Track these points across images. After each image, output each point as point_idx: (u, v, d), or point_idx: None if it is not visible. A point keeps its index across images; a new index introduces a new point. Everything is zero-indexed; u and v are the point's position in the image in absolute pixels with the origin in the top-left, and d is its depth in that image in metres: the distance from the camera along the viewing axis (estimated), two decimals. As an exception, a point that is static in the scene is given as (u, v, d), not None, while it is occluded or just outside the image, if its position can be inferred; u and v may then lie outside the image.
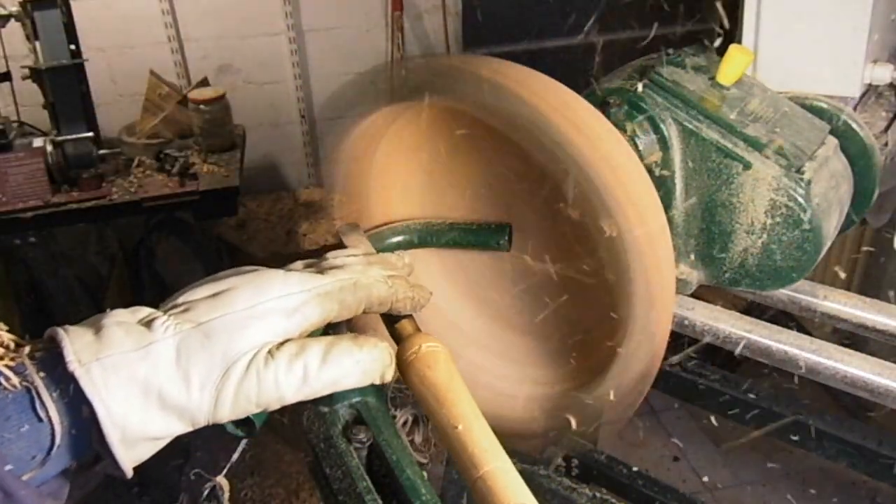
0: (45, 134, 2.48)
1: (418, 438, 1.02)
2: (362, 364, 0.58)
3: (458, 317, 0.95)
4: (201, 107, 2.69)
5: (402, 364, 0.63)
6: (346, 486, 0.72)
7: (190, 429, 0.54)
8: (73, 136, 2.39)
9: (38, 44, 2.31)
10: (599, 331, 0.81)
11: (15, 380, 0.48)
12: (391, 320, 0.68)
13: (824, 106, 0.91)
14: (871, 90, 0.97)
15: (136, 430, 0.50)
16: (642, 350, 0.70)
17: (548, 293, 0.90)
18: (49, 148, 2.38)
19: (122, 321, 0.53)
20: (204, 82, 2.95)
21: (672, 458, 2.78)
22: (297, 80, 3.63)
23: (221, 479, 0.64)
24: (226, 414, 0.53)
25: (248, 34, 3.53)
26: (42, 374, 0.48)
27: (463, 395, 0.60)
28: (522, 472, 1.02)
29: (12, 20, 2.31)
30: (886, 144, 0.94)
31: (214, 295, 0.56)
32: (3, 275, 2.52)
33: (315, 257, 0.67)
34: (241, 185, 2.59)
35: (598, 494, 0.96)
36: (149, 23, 3.37)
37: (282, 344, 0.56)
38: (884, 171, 0.93)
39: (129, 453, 0.50)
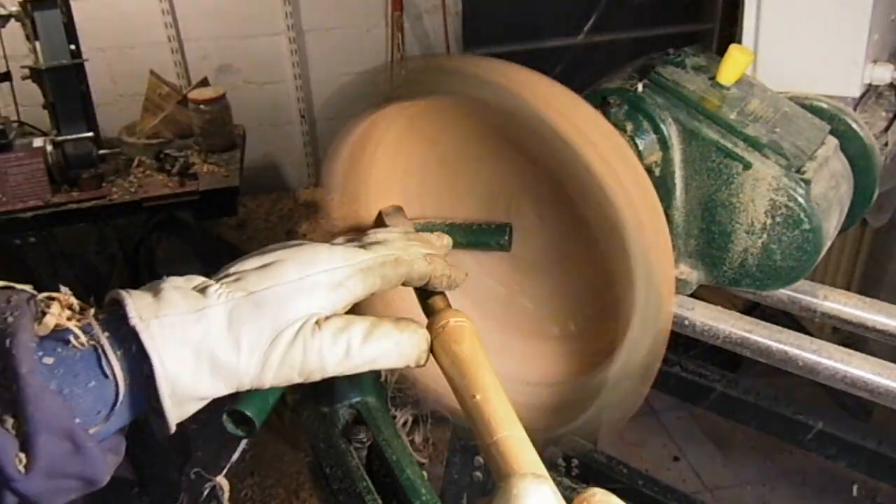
0: (45, 134, 2.48)
1: (418, 438, 1.02)
2: (401, 346, 0.61)
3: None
4: (201, 107, 2.69)
5: (431, 336, 0.65)
6: (346, 486, 0.72)
7: (234, 391, 0.56)
8: (73, 136, 2.39)
9: (38, 44, 2.31)
10: (599, 330, 0.81)
11: (83, 338, 0.50)
12: (424, 295, 0.71)
13: (824, 106, 0.91)
14: (871, 90, 0.97)
15: (186, 387, 0.52)
16: (642, 349, 0.70)
17: (547, 293, 0.90)
18: (49, 148, 2.38)
19: (178, 286, 0.56)
20: (204, 82, 2.95)
21: (672, 458, 2.78)
22: (297, 80, 3.64)
23: (221, 479, 0.65)
24: (270, 379, 0.56)
25: (248, 34, 3.53)
26: (107, 333, 0.51)
27: (485, 367, 0.62)
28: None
29: (12, 20, 2.31)
30: (886, 144, 0.94)
31: (264, 266, 0.59)
32: (3, 275, 2.52)
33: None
34: (241, 185, 2.59)
35: (598, 494, 0.96)
36: (149, 23, 3.38)
37: (328, 317, 0.58)
38: (884, 171, 0.93)
39: (176, 410, 0.53)
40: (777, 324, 0.85)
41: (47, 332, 0.50)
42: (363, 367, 0.59)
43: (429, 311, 0.70)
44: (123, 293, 0.53)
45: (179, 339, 0.52)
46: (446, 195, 0.91)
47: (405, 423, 1.01)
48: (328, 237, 0.83)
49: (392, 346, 0.60)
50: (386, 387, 0.93)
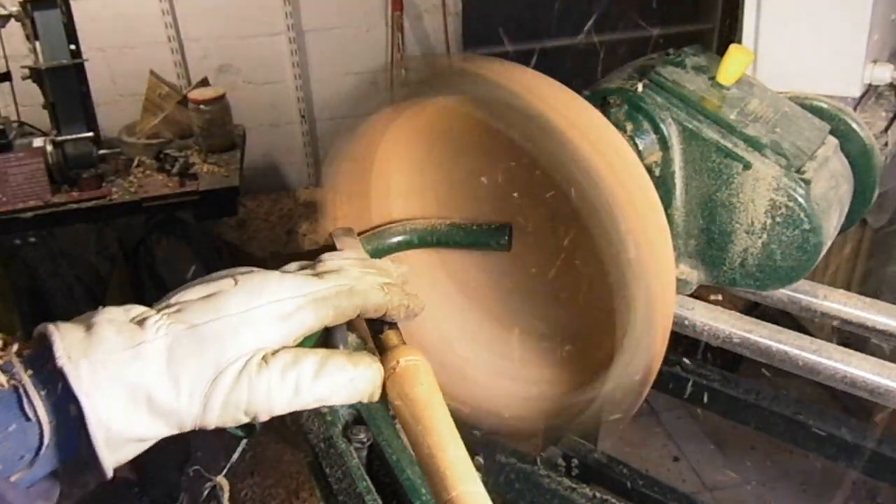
0: (45, 134, 2.48)
1: (418, 438, 1.02)
2: (355, 382, 0.57)
3: (459, 316, 0.95)
4: (201, 107, 2.69)
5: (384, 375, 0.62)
6: (346, 486, 0.72)
7: (176, 432, 0.53)
8: (73, 136, 2.39)
9: (38, 44, 2.31)
10: (599, 330, 0.81)
11: (2, 378, 0.47)
12: (376, 328, 0.67)
13: (824, 106, 0.91)
14: (871, 90, 0.97)
15: (121, 430, 0.49)
16: (642, 350, 0.70)
17: (548, 293, 0.90)
18: (49, 148, 2.38)
19: (113, 319, 0.52)
20: (204, 82, 2.95)
21: (672, 458, 2.78)
22: (297, 80, 3.64)
23: (221, 479, 0.64)
24: (213, 420, 0.52)
25: (248, 34, 3.53)
26: (30, 372, 0.48)
27: (441, 413, 0.59)
28: (522, 472, 1.03)
29: (12, 20, 2.31)
30: (886, 144, 0.94)
31: (208, 296, 0.55)
32: (3, 275, 2.52)
33: (310, 258, 0.66)
34: (241, 185, 2.59)
35: (598, 494, 0.96)
36: (149, 23, 3.38)
37: (276, 351, 0.55)
38: (884, 171, 0.93)
39: (113, 455, 0.50)
40: (777, 324, 0.85)
41: None
42: (314, 405, 0.56)
43: (381, 348, 0.66)
44: (52, 327, 0.50)
45: (112, 379, 0.48)
46: (447, 195, 0.91)
47: (405, 423, 1.01)
48: (327, 238, 0.83)
49: (346, 382, 0.57)
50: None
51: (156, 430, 0.51)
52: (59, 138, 2.38)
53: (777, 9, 0.90)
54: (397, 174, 0.88)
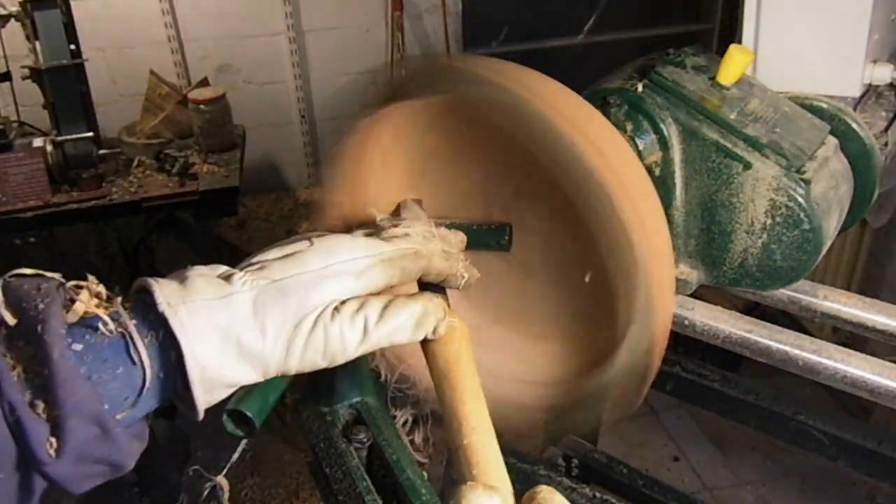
0: (45, 134, 2.48)
1: (418, 438, 1.02)
2: (416, 316, 0.61)
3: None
4: (201, 107, 2.69)
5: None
6: (346, 486, 0.72)
7: (261, 378, 0.57)
8: (73, 136, 2.39)
9: (38, 44, 2.31)
10: (599, 330, 0.81)
11: (112, 325, 0.51)
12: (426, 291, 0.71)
13: (824, 106, 0.91)
14: (871, 90, 0.97)
15: (214, 372, 0.53)
16: (642, 349, 0.70)
17: (547, 293, 0.90)
18: (49, 148, 2.38)
19: (203, 273, 0.57)
20: (204, 82, 2.95)
21: (672, 458, 2.78)
22: (297, 80, 3.64)
23: (221, 479, 0.65)
24: (295, 364, 0.57)
25: (248, 34, 3.53)
26: (135, 320, 0.52)
27: (468, 371, 0.63)
28: (522, 472, 1.02)
29: (12, 20, 2.31)
30: (886, 144, 0.94)
31: (286, 256, 0.60)
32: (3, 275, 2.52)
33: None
34: (241, 185, 2.59)
35: (598, 494, 0.96)
36: (149, 23, 3.38)
37: (346, 301, 0.59)
38: (884, 171, 0.93)
39: (206, 395, 0.53)
40: (777, 324, 0.85)
41: (76, 318, 0.51)
42: (384, 342, 0.60)
43: None
44: (150, 281, 0.54)
45: (207, 323, 0.53)
46: (446, 195, 0.91)
47: (405, 423, 1.01)
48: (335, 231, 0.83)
49: (408, 318, 0.61)
50: (386, 387, 0.93)
51: (243, 374, 0.55)
52: (59, 138, 2.38)
53: (777, 9, 0.90)
54: (396, 174, 0.88)
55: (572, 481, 0.99)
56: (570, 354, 0.86)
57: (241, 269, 0.59)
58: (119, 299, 0.53)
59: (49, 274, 0.53)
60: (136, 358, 0.51)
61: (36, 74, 2.35)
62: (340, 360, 0.59)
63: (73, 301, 0.51)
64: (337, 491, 0.71)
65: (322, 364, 0.58)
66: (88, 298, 0.52)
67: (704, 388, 1.16)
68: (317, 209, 0.85)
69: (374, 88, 0.79)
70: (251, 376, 0.56)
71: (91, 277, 0.54)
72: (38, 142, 2.40)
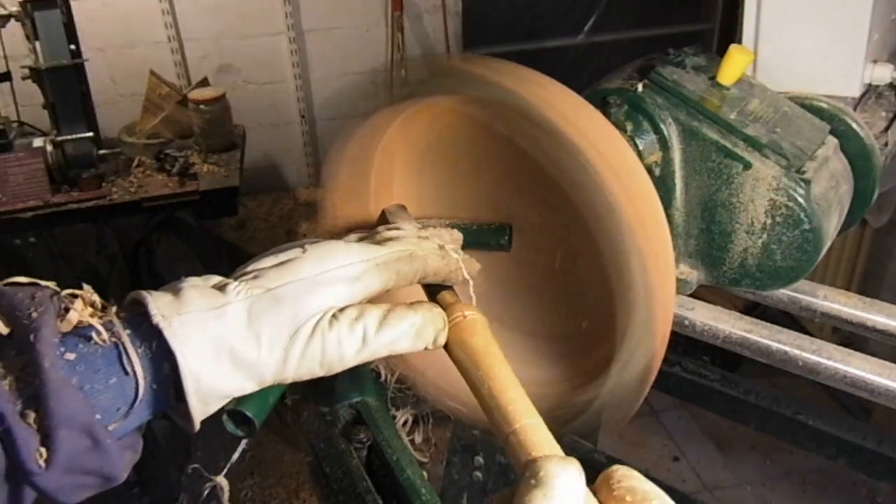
0: (45, 134, 2.48)
1: (418, 438, 1.02)
2: (416, 326, 0.61)
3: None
4: (201, 107, 2.69)
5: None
6: (346, 486, 0.72)
7: (257, 388, 0.56)
8: (73, 136, 2.39)
9: (38, 44, 2.31)
10: (599, 331, 0.81)
11: (105, 335, 0.51)
12: (433, 291, 0.70)
13: (824, 106, 0.91)
14: (871, 90, 0.97)
15: (209, 383, 0.53)
16: (642, 350, 0.70)
17: (547, 293, 0.90)
18: (49, 148, 2.38)
19: (196, 285, 0.56)
20: (204, 82, 2.95)
21: (672, 458, 2.78)
22: (297, 80, 3.64)
23: (221, 479, 0.65)
24: (291, 373, 0.56)
25: (248, 34, 3.53)
26: (128, 331, 0.52)
27: (499, 359, 0.62)
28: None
29: (12, 20, 2.31)
30: (886, 144, 0.94)
31: (281, 264, 0.59)
32: (4, 275, 2.52)
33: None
34: (241, 185, 2.59)
35: (598, 494, 0.96)
36: (149, 23, 3.38)
37: (343, 309, 0.59)
38: (884, 171, 0.93)
39: (201, 406, 0.53)
40: (777, 324, 0.85)
41: (70, 328, 0.50)
42: (383, 352, 0.59)
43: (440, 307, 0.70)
44: (144, 293, 0.54)
45: (200, 335, 0.52)
46: (446, 195, 0.91)
47: (405, 423, 1.01)
48: (329, 236, 0.83)
49: (408, 328, 0.60)
50: (386, 387, 0.93)
51: (238, 385, 0.55)
52: (59, 138, 2.38)
53: (777, 9, 0.90)
54: (397, 174, 0.88)
55: (572, 481, 0.99)
56: (569, 355, 0.86)
57: (236, 279, 0.58)
58: (114, 309, 0.53)
59: (44, 283, 0.53)
60: (129, 369, 0.51)
61: (36, 74, 2.35)
62: (338, 369, 0.58)
63: (67, 310, 0.51)
64: (337, 491, 0.71)
65: (319, 373, 0.58)
66: (82, 308, 0.52)
67: (704, 388, 1.16)
68: (317, 209, 0.85)
69: (375, 89, 0.79)
70: (247, 386, 0.55)
71: (87, 287, 0.54)
72: (38, 142, 2.40)
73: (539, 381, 0.88)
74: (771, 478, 2.66)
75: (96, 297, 0.53)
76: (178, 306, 0.53)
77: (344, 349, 0.57)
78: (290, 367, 0.56)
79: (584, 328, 0.86)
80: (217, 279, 0.58)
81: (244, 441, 0.65)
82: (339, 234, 0.81)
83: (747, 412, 1.15)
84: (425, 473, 0.79)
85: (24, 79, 2.38)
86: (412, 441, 1.00)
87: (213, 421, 0.64)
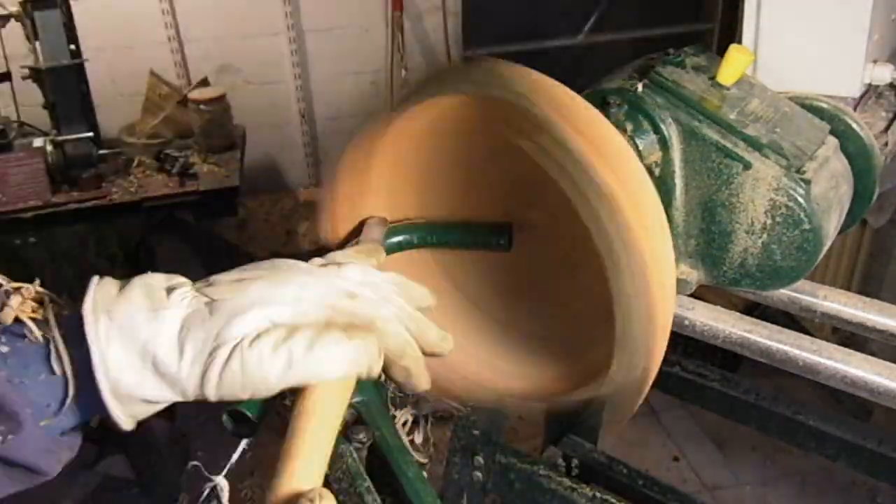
0: (45, 134, 2.48)
1: (418, 438, 1.02)
2: (350, 355, 0.57)
3: (457, 317, 0.95)
4: (201, 107, 2.69)
5: None
6: (346, 486, 0.72)
7: (182, 399, 0.54)
8: (73, 136, 2.39)
9: (38, 44, 2.31)
10: (599, 331, 0.81)
11: (37, 332, 0.51)
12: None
13: (824, 106, 0.91)
14: (871, 90, 0.97)
15: (130, 387, 0.52)
16: (642, 350, 0.70)
17: (547, 293, 0.90)
18: (49, 148, 2.38)
19: (149, 283, 0.55)
20: (204, 82, 2.95)
21: (672, 458, 2.78)
22: (297, 80, 3.63)
23: (221, 479, 0.64)
24: (212, 393, 0.53)
25: (248, 34, 3.53)
26: (63, 330, 0.51)
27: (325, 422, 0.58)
28: (522, 472, 1.02)
29: (12, 20, 2.31)
30: (886, 144, 0.94)
31: (240, 280, 0.57)
32: (4, 275, 2.51)
33: (319, 255, 0.65)
34: (241, 185, 2.59)
35: (598, 494, 0.96)
36: (149, 23, 3.37)
37: (270, 329, 0.55)
38: (884, 171, 0.93)
39: (124, 408, 0.52)
40: (777, 324, 0.85)
41: (8, 322, 0.51)
42: (310, 378, 0.56)
43: None
44: (95, 278, 0.54)
45: (126, 336, 0.51)
46: (447, 195, 0.91)
47: (405, 423, 1.01)
48: (326, 239, 0.83)
49: (340, 354, 0.56)
50: (386, 387, 0.93)
51: (163, 394, 0.53)
52: (59, 138, 2.38)
53: (777, 9, 0.90)
54: (396, 175, 0.88)
55: (572, 481, 0.99)
56: (569, 355, 0.86)
57: (193, 285, 0.56)
58: (60, 304, 0.53)
59: None
60: (56, 368, 0.50)
61: (36, 74, 2.35)
62: (264, 393, 0.55)
63: (4, 305, 0.51)
64: (337, 491, 0.71)
65: (243, 395, 0.54)
66: (20, 303, 0.52)
67: (704, 388, 1.16)
68: (317, 209, 0.85)
69: (375, 89, 0.79)
70: (171, 397, 0.53)
71: (37, 280, 0.54)
72: (38, 142, 2.40)
73: (539, 381, 0.88)
74: (771, 478, 2.66)
75: (41, 291, 0.54)
76: (114, 303, 0.52)
77: (266, 371, 0.53)
78: (210, 386, 0.53)
79: (584, 328, 0.86)
80: (179, 280, 0.57)
81: (244, 441, 0.64)
82: (336, 238, 0.81)
83: (747, 412, 1.15)
84: (425, 473, 0.79)
85: (24, 79, 2.38)
86: (412, 441, 0.99)
87: (212, 421, 0.64)
